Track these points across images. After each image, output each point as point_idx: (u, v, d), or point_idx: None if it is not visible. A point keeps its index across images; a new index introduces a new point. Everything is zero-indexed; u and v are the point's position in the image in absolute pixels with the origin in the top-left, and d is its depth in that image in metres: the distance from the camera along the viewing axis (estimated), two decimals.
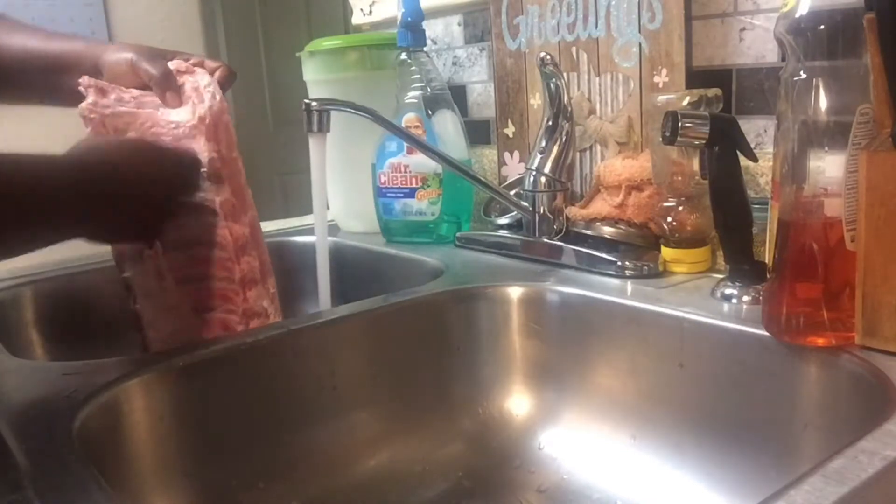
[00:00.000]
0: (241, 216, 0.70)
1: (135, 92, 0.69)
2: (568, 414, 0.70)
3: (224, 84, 0.71)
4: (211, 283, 0.69)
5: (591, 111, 0.88)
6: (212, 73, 0.71)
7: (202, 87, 0.69)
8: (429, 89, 0.95)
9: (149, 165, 0.63)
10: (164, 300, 0.69)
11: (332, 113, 0.79)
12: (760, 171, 0.72)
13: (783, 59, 0.61)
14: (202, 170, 0.67)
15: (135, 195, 0.61)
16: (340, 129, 0.85)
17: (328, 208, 1.05)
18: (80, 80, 0.67)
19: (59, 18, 2.38)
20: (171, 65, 0.70)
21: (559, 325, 0.72)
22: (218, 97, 0.69)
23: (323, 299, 0.78)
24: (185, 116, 0.67)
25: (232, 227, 0.68)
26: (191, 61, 0.72)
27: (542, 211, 0.84)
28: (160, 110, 0.68)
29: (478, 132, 1.07)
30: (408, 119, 0.94)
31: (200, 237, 0.68)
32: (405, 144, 0.93)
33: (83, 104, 0.66)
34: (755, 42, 0.74)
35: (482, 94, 1.07)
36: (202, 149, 0.66)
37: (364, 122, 0.81)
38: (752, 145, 0.67)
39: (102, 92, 0.67)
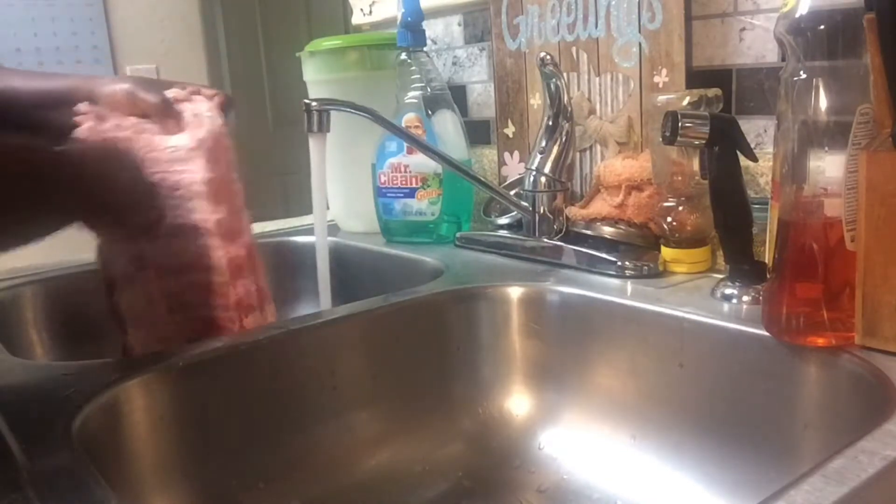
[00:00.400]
0: (237, 238, 0.68)
1: (133, 119, 0.68)
2: (568, 414, 0.70)
3: (222, 111, 0.70)
4: (204, 311, 0.67)
5: (591, 111, 0.88)
6: (209, 100, 0.71)
7: (202, 113, 0.68)
8: (429, 89, 0.95)
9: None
10: (155, 331, 0.67)
11: (332, 113, 0.79)
12: (760, 171, 0.72)
13: (783, 59, 0.61)
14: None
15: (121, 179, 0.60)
16: (340, 129, 0.85)
17: (328, 208, 1.06)
18: (78, 107, 0.66)
19: (59, 18, 2.38)
20: (169, 93, 0.70)
21: (559, 325, 0.72)
22: (218, 121, 0.68)
23: (323, 299, 0.78)
24: (184, 141, 0.66)
25: (227, 248, 0.67)
26: (187, 90, 0.71)
27: (542, 211, 0.84)
28: (158, 137, 0.67)
29: (478, 132, 1.07)
30: (408, 119, 0.94)
31: (194, 261, 0.66)
32: (405, 144, 0.93)
33: (82, 128, 0.65)
34: (755, 42, 0.74)
35: (482, 94, 1.07)
36: (200, 168, 0.65)
37: (364, 122, 0.81)
38: (752, 145, 0.67)
39: (101, 118, 0.66)
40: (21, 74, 0.74)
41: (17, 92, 0.71)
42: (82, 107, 0.66)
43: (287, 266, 1.02)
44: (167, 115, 0.68)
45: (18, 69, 0.77)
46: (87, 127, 0.65)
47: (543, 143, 0.83)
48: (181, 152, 0.66)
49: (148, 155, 0.66)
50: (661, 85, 0.79)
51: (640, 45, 0.80)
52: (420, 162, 0.93)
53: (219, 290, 0.66)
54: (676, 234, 0.73)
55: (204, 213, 0.66)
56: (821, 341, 0.53)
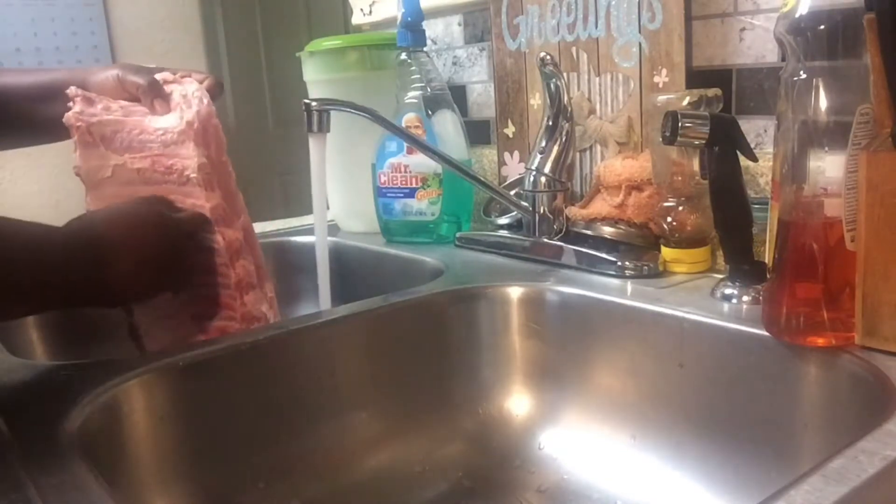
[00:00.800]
0: (234, 221, 0.69)
1: (122, 102, 0.69)
2: (568, 414, 0.70)
3: (212, 94, 0.71)
4: (207, 290, 0.69)
5: (591, 111, 0.88)
6: (199, 83, 0.71)
7: (190, 94, 0.69)
8: (429, 89, 0.95)
9: (141, 239, 0.63)
10: (161, 309, 0.69)
11: (332, 113, 0.79)
12: (760, 171, 0.72)
13: (783, 59, 0.61)
14: (208, 227, 0.67)
15: (124, 269, 0.61)
16: (340, 129, 0.85)
17: (328, 208, 1.06)
18: (68, 91, 0.66)
19: (59, 18, 2.38)
20: (159, 76, 0.71)
21: (559, 325, 0.72)
22: (206, 101, 0.68)
23: (323, 299, 0.78)
24: (172, 122, 0.67)
25: (224, 233, 0.68)
26: (178, 73, 0.72)
27: (542, 211, 0.84)
28: (147, 118, 0.68)
29: (478, 132, 1.07)
30: (408, 119, 0.94)
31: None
32: (405, 144, 0.93)
33: (69, 113, 0.66)
34: (755, 42, 0.74)
35: (482, 94, 1.07)
36: (191, 154, 0.66)
37: (364, 122, 0.81)
38: (752, 145, 0.67)
39: (89, 102, 0.67)
40: (15, 72, 0.76)
41: (11, 87, 0.72)
42: (71, 90, 0.67)
43: (287, 266, 1.02)
44: (155, 96, 0.69)
45: (12, 68, 0.78)
46: (74, 113, 0.66)
47: (543, 143, 0.83)
48: (171, 135, 0.66)
49: (137, 137, 0.67)
50: (661, 85, 0.79)
51: (640, 45, 0.80)
52: (420, 162, 0.93)
53: (221, 270, 0.68)
54: (676, 234, 0.73)
55: (199, 200, 0.67)
56: (821, 341, 0.53)
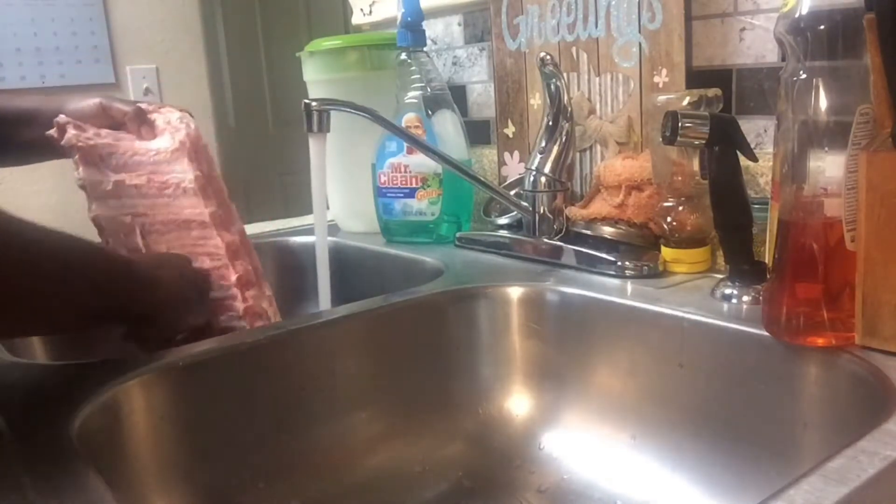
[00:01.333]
0: (230, 226, 0.73)
1: (108, 130, 0.72)
2: (568, 414, 0.70)
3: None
4: (212, 292, 0.71)
5: (591, 111, 0.88)
6: (179, 110, 0.75)
7: (174, 121, 0.73)
8: (429, 89, 0.95)
9: (180, 284, 0.66)
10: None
11: (332, 113, 0.79)
12: (760, 171, 0.72)
13: (783, 59, 0.61)
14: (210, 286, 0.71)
15: (163, 310, 0.64)
16: (340, 129, 0.85)
17: (328, 208, 1.05)
18: (57, 119, 0.69)
19: (59, 18, 2.38)
20: (140, 104, 0.74)
21: (559, 325, 0.72)
22: (193, 126, 0.72)
23: (323, 299, 0.79)
24: (165, 144, 0.71)
25: (223, 235, 0.71)
26: (153, 105, 0.76)
27: (542, 211, 0.84)
28: (137, 142, 0.71)
29: (478, 132, 1.07)
30: (408, 119, 0.94)
31: (194, 251, 0.71)
32: (405, 144, 0.93)
33: (69, 134, 0.68)
34: (755, 42, 0.74)
35: (482, 94, 1.07)
36: (186, 168, 0.70)
37: (364, 122, 0.81)
38: (752, 145, 0.67)
39: (81, 128, 0.70)
40: None
41: None
42: (62, 118, 0.70)
43: (287, 266, 1.02)
44: (142, 122, 0.72)
45: None
46: (73, 134, 0.69)
47: (543, 143, 0.83)
48: (164, 154, 0.70)
49: (132, 159, 0.70)
50: (661, 85, 0.79)
51: (640, 45, 0.80)
52: (420, 162, 0.93)
53: (221, 272, 0.71)
54: (676, 234, 0.73)
55: (197, 208, 0.70)
56: (821, 341, 0.53)
